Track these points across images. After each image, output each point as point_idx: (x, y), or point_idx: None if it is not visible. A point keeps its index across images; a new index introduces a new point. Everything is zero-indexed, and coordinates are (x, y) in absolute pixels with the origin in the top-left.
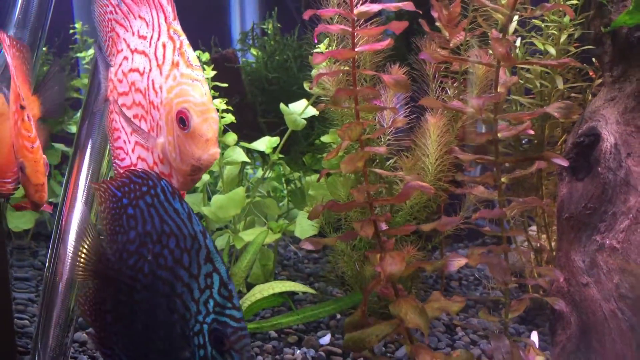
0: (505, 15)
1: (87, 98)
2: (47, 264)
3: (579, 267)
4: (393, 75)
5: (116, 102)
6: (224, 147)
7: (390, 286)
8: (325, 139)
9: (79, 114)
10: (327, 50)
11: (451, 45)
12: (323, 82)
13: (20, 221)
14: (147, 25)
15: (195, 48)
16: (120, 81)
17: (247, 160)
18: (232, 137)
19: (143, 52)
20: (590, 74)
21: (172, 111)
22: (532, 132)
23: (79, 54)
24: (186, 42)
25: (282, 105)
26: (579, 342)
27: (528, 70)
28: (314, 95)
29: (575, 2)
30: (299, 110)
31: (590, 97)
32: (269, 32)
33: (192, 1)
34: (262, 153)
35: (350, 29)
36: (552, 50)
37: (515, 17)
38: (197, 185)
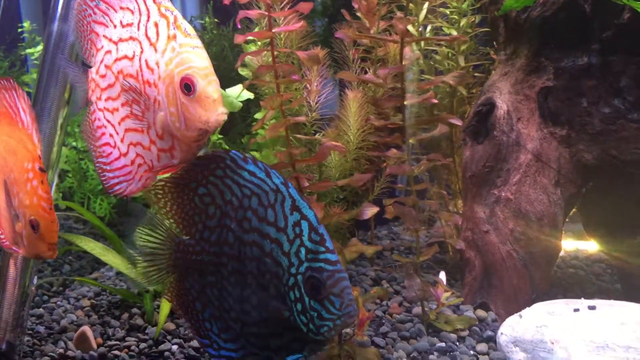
0: None
1: (36, 92)
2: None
3: (480, 217)
4: (306, 52)
5: (99, 99)
6: None
7: None
8: (257, 115)
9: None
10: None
11: (371, 32)
12: (253, 65)
13: None
14: (132, 12)
15: None
16: (104, 76)
17: None
18: None
19: (130, 38)
20: (492, 55)
21: (173, 81)
22: (435, 100)
23: (28, 50)
24: (180, 15)
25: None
26: (482, 281)
27: (437, 53)
28: (248, 79)
29: None
30: (236, 94)
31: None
32: (207, 25)
33: None
34: None
35: (266, 13)
36: (455, 33)
37: (425, 5)
38: None
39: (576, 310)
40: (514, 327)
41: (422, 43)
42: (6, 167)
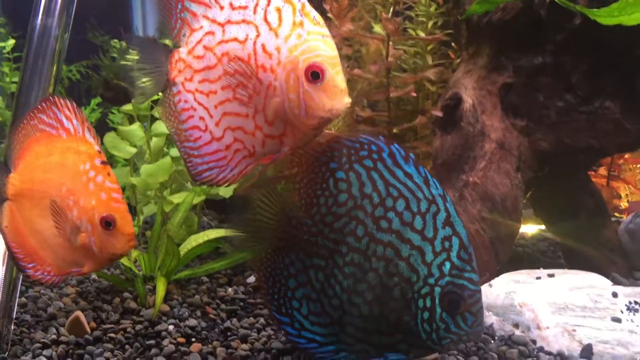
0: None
1: (20, 86)
2: None
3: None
4: None
5: (189, 80)
6: (153, 120)
7: None
8: None
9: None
10: None
11: (342, 32)
12: None
13: None
14: None
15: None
16: (200, 57)
17: None
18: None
19: (243, 21)
20: (451, 55)
21: (297, 68)
22: (414, 94)
23: (0, 44)
24: (307, 3)
25: None
26: None
27: (405, 52)
28: None
29: None
30: None
31: (451, 73)
32: None
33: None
34: None
35: None
36: (422, 34)
37: (391, 8)
38: (124, 157)
39: (538, 278)
40: (486, 295)
41: (391, 42)
42: (51, 187)
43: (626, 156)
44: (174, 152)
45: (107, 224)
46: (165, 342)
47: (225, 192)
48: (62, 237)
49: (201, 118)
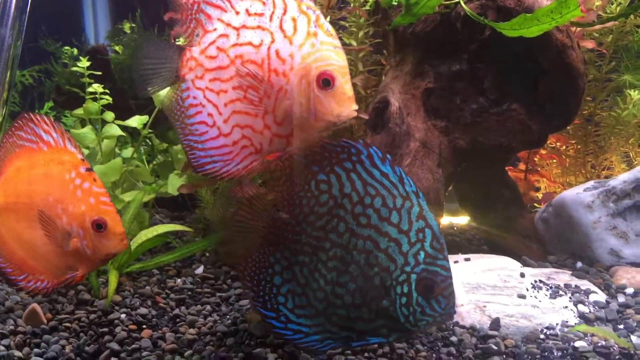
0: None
1: None
2: None
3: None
4: None
5: (200, 78)
6: (103, 123)
7: None
8: None
9: None
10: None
11: None
12: None
13: None
14: (264, 3)
15: (67, 44)
16: (213, 57)
17: (123, 134)
18: (110, 115)
19: (258, 27)
20: (382, 61)
21: (309, 74)
22: None
23: None
24: (322, 15)
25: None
26: None
27: None
28: None
29: (368, 7)
30: (165, 92)
31: (383, 77)
32: (127, 31)
33: (53, 7)
34: (133, 130)
35: None
36: (354, 43)
37: (328, 18)
38: None
39: (456, 262)
40: None
41: None
42: (37, 198)
43: (542, 152)
44: (126, 153)
45: (99, 226)
46: (118, 329)
47: (173, 190)
48: (53, 245)
49: (209, 114)
